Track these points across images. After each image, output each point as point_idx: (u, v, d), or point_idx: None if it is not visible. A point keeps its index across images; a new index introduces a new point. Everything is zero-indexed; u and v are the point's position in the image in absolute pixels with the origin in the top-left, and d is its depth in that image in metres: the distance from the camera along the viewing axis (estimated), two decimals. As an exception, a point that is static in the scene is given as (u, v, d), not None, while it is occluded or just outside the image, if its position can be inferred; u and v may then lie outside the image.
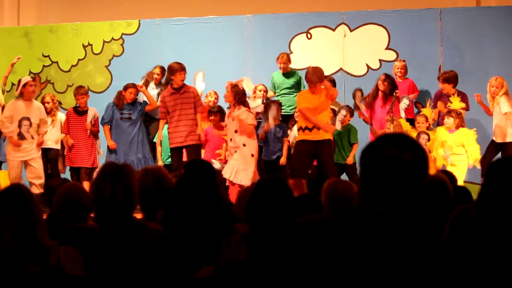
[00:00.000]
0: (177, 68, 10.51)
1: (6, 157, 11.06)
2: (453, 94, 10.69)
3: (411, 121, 10.81)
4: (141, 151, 11.14)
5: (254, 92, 11.03)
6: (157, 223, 4.27)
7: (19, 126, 10.95)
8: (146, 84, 11.54)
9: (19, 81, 11.16)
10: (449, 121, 10.24)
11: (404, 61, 11.57)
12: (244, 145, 10.02)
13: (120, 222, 3.61)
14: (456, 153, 10.10)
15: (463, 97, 10.73)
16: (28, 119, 11.01)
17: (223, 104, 11.19)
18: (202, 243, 4.30)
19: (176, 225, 4.29)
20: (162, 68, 11.61)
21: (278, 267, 2.34)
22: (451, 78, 10.85)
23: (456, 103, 10.56)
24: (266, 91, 11.09)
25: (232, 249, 3.84)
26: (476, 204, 2.67)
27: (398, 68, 11.48)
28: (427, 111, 10.75)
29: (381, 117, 10.60)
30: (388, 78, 10.83)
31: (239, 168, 9.94)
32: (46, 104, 11.46)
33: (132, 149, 11.09)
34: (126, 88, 11.22)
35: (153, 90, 11.63)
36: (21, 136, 10.96)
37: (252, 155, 10.04)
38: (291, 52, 12.45)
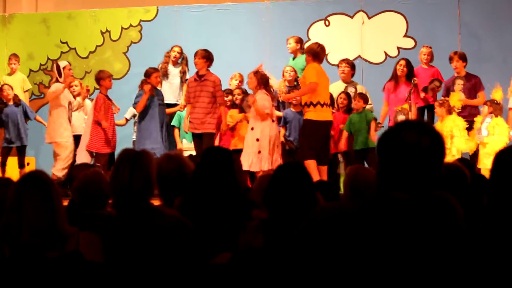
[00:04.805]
0: (205, 55, 10.38)
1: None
2: (495, 87, 10.49)
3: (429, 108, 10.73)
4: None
5: (283, 75, 10.90)
6: (175, 210, 4.28)
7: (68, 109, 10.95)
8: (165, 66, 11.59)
9: (57, 65, 11.12)
10: (484, 109, 10.16)
11: (430, 47, 11.12)
12: (252, 128, 9.89)
13: (138, 208, 3.63)
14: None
15: (477, 81, 10.61)
16: (71, 103, 11.08)
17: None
18: (220, 229, 4.30)
19: (194, 211, 4.30)
20: (181, 48, 11.66)
21: (295, 255, 2.35)
22: (464, 56, 10.75)
23: (497, 95, 10.33)
24: (295, 71, 10.85)
25: (249, 235, 3.84)
26: (488, 193, 2.68)
27: (424, 55, 11.04)
28: (455, 95, 10.39)
29: (398, 102, 10.48)
30: (408, 63, 10.69)
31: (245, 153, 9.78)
32: (74, 87, 11.35)
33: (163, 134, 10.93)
34: (150, 74, 10.72)
35: (173, 70, 11.64)
36: (68, 120, 10.94)
37: (257, 140, 9.76)
38: (309, 39, 12.42)
